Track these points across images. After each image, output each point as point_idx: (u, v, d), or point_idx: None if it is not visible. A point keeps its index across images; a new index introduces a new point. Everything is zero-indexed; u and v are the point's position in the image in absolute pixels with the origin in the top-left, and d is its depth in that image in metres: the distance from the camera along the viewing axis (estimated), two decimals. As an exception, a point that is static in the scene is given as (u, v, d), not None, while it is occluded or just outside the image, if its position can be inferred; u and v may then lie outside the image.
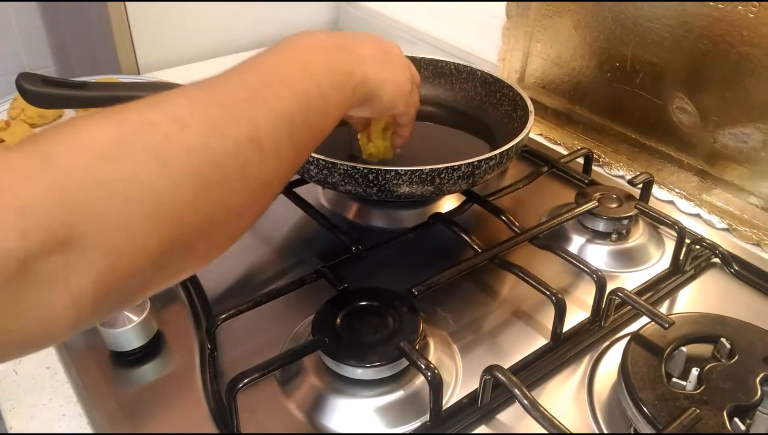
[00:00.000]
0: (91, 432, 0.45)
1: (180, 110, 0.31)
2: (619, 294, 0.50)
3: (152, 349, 0.50)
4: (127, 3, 1.01)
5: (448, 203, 0.68)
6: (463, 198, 0.67)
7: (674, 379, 0.45)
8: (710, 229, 0.68)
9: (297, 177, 0.65)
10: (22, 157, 0.26)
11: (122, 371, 0.49)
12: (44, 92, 0.56)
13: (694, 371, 0.45)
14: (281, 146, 0.35)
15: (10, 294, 0.25)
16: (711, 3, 0.64)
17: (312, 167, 0.57)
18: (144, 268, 0.29)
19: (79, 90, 0.58)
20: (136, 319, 0.49)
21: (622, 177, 0.76)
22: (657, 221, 0.63)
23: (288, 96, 0.36)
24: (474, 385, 0.46)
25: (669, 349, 0.47)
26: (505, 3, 0.87)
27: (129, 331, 0.48)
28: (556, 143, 0.84)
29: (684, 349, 0.47)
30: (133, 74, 1.04)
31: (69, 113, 0.87)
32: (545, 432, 0.40)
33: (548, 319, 0.53)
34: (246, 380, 0.42)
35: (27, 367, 0.50)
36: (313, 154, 0.56)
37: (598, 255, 0.61)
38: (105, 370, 0.49)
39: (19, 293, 0.25)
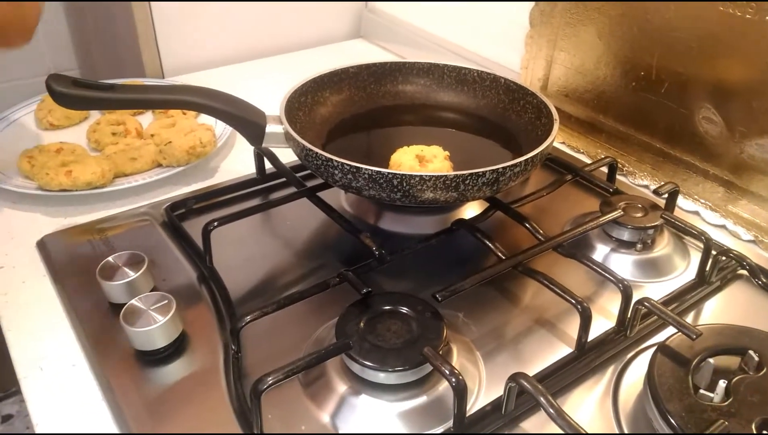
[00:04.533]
0: (116, 430, 0.46)
1: None
2: (646, 304, 0.50)
3: (177, 349, 0.51)
4: (152, 5, 1.02)
5: (470, 210, 0.68)
6: (486, 204, 0.66)
7: (701, 391, 0.45)
8: (736, 241, 0.67)
9: (320, 181, 0.66)
10: None
11: (147, 370, 0.49)
12: (74, 94, 0.57)
13: (722, 383, 0.44)
14: None
15: None
16: (738, 13, 0.64)
17: (336, 171, 0.57)
18: None
19: (108, 92, 0.58)
20: (161, 319, 0.49)
21: (646, 186, 0.76)
22: (683, 232, 0.63)
23: None
24: (497, 392, 0.46)
25: (696, 361, 0.46)
26: (528, 11, 0.87)
27: (154, 330, 0.49)
28: (579, 152, 0.84)
29: (711, 360, 0.46)
30: (157, 77, 1.05)
31: (95, 115, 0.88)
32: (571, 441, 0.40)
33: (571, 327, 0.53)
34: (270, 381, 0.42)
35: (53, 364, 0.51)
36: (338, 159, 0.56)
37: (622, 264, 0.61)
38: (130, 368, 0.49)
39: None
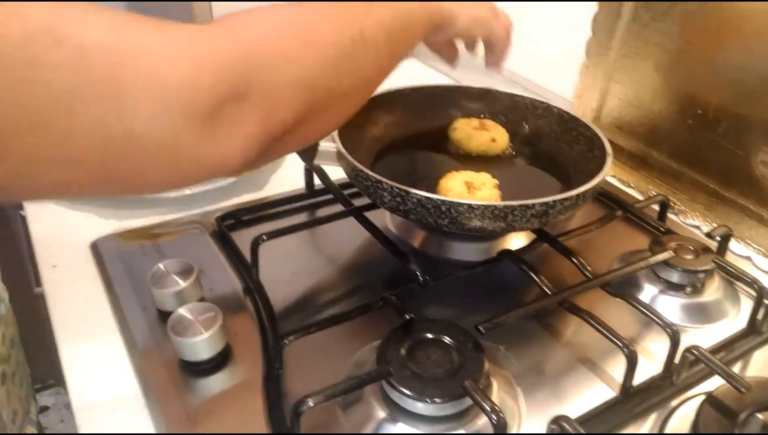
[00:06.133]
0: (156, 437, 0.47)
1: (319, 11, 0.43)
2: (695, 352, 0.49)
3: (220, 361, 0.52)
4: (212, 5, 1.03)
5: (516, 239, 0.68)
6: (533, 235, 0.66)
7: (748, 447, 0.44)
8: (789, 290, 0.65)
9: (368, 201, 0.66)
10: (215, 30, 0.36)
11: (190, 380, 0.50)
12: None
13: (771, 441, 0.43)
14: (379, 46, 0.46)
15: (205, 129, 0.34)
16: (806, 56, 0.62)
17: (385, 193, 0.57)
18: (289, 122, 0.40)
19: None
20: (208, 331, 0.50)
21: (697, 227, 0.74)
22: (735, 278, 0.61)
23: (385, 10, 0.48)
24: (536, 429, 0.46)
25: (744, 415, 0.45)
26: (584, 41, 0.86)
27: (200, 342, 0.50)
28: (629, 186, 0.83)
29: (760, 415, 0.45)
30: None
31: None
32: (611, 489, 0.39)
33: (614, 368, 0.52)
34: (311, 404, 0.42)
35: (98, 364, 0.52)
36: (387, 181, 0.56)
37: (670, 307, 0.60)
38: (173, 376, 0.50)
39: (213, 129, 0.34)
